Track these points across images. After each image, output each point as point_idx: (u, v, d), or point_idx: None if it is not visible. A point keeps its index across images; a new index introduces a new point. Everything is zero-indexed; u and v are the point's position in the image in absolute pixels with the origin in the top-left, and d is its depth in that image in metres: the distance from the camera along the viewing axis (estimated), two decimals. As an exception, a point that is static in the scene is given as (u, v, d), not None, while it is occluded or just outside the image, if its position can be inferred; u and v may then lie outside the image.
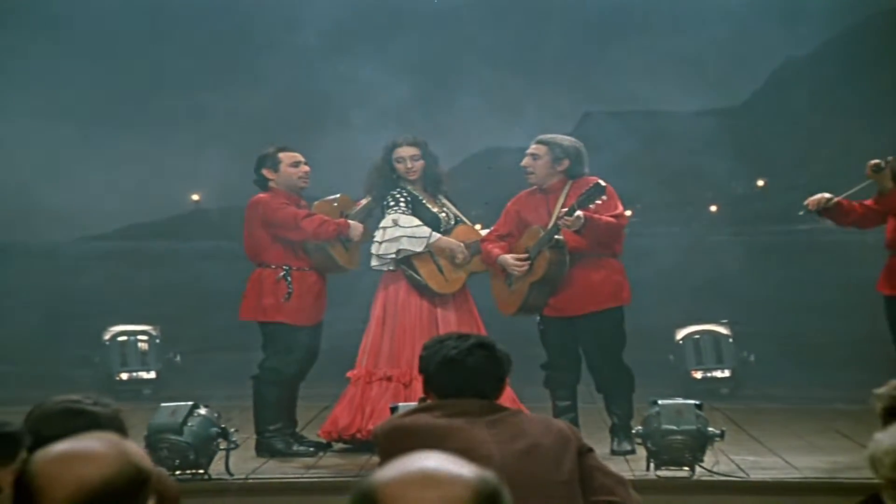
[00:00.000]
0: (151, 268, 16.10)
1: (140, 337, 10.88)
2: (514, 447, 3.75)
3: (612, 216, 7.26)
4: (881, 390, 3.62)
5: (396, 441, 3.70)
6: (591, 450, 4.03)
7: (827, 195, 7.21)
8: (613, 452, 7.14)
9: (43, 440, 3.12)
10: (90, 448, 2.39)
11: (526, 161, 7.49)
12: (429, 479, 2.11)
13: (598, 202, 7.11)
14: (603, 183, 7.17)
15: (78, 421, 3.24)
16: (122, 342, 10.85)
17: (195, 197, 24.75)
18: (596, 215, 7.16)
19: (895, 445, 2.77)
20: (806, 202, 7.26)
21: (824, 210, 7.23)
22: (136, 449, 2.42)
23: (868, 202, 7.24)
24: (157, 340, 10.93)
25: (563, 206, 7.28)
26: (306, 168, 7.62)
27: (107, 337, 10.89)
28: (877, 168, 7.08)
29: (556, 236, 7.23)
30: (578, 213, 7.07)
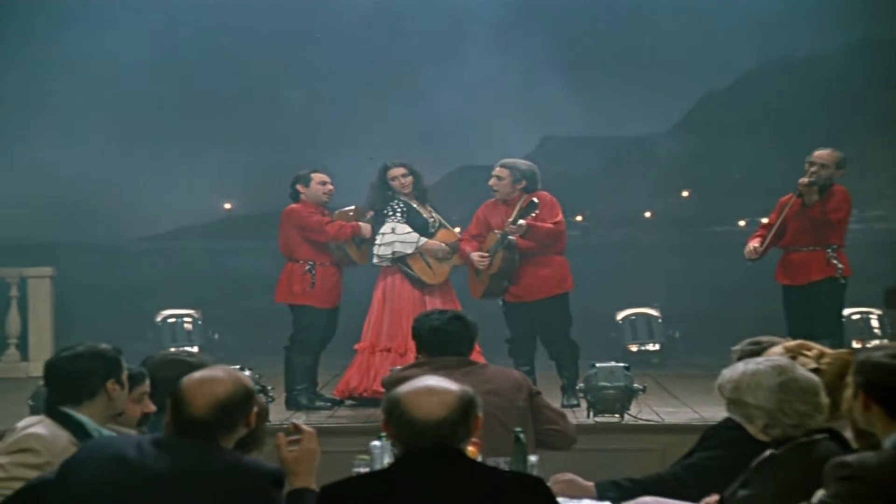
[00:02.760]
0: (194, 263, 16.11)
1: (186, 319, 11.05)
2: (482, 389, 4.00)
3: (553, 223, 7.53)
4: (737, 347, 3.91)
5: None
6: (539, 392, 4.59)
7: (755, 244, 7.53)
8: (563, 406, 7.30)
9: (157, 380, 3.79)
10: (217, 374, 3.02)
11: (492, 182, 7.75)
12: (430, 391, 2.89)
13: (533, 214, 7.41)
14: (536, 200, 7.44)
15: (180, 368, 3.61)
16: (172, 323, 11.01)
17: (227, 205, 25.18)
18: (538, 223, 7.45)
19: (733, 377, 3.36)
20: (746, 254, 7.57)
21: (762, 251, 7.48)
22: (245, 376, 3.05)
23: (767, 221, 7.53)
24: (200, 322, 11.08)
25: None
26: (331, 187, 7.83)
27: (159, 319, 11.07)
28: (811, 183, 7.28)
29: (509, 237, 7.51)
30: (521, 221, 7.40)
